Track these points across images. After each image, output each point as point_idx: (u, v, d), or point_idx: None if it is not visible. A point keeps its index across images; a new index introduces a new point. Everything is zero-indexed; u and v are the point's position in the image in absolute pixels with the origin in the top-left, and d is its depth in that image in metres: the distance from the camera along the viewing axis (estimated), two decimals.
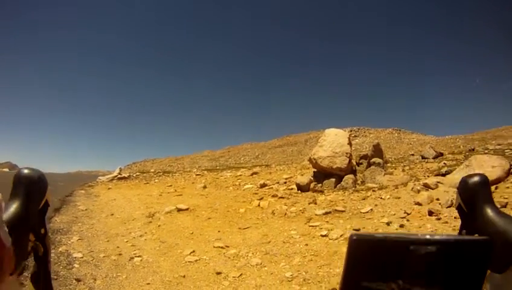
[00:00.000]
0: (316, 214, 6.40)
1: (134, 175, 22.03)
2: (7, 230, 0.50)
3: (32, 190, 0.62)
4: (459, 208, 0.58)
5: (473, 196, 0.55)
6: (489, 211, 0.53)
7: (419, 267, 0.40)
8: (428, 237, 0.40)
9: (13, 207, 0.58)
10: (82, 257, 5.02)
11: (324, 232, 5.34)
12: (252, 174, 13.82)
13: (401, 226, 5.45)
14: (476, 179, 0.56)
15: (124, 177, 20.54)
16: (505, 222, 0.50)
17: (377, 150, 10.23)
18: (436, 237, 0.41)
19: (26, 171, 0.63)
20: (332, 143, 9.52)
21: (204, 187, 12.29)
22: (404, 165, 11.04)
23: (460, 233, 0.57)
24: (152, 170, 27.29)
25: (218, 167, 25.09)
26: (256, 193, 9.08)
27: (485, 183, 0.56)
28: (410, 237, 0.41)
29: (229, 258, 4.82)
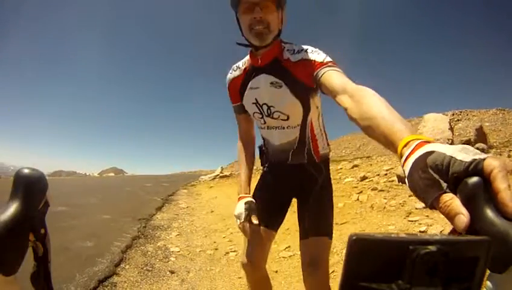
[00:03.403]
0: (416, 208, 5.89)
1: (236, 173, 22.69)
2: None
3: (32, 190, 0.61)
4: None
5: (473, 197, 0.54)
6: (489, 212, 0.51)
7: (419, 267, 0.39)
8: (428, 237, 0.41)
9: (13, 207, 0.57)
10: (179, 251, 5.22)
11: (423, 228, 4.89)
12: (352, 167, 13.32)
13: None
14: (475, 179, 0.55)
15: (226, 176, 21.30)
16: (505, 223, 0.49)
17: (480, 134, 9.35)
18: (436, 237, 0.41)
19: (26, 171, 0.62)
20: (433, 130, 8.86)
21: None
22: (510, 150, 9.83)
23: (460, 233, 0.55)
24: (254, 168, 27.74)
25: None
26: (355, 187, 8.70)
27: (485, 184, 0.54)
28: (410, 237, 0.40)
29: None
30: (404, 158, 0.74)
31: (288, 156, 2.04)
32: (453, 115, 19.38)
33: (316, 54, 1.69)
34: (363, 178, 9.67)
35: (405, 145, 0.78)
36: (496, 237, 0.47)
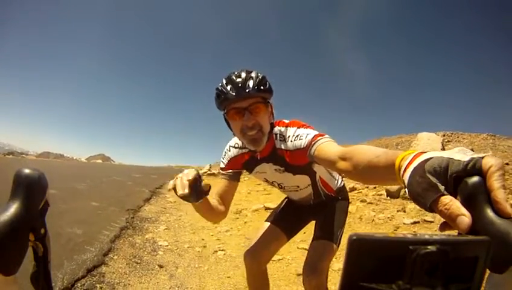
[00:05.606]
0: (403, 223, 5.98)
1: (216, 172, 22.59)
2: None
3: (32, 190, 0.62)
4: None
5: (473, 197, 0.56)
6: (489, 212, 0.53)
7: (419, 267, 0.39)
8: (427, 237, 0.41)
9: (13, 207, 0.58)
10: (167, 246, 5.21)
11: None
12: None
13: None
14: (476, 179, 0.56)
15: (213, 174, 21.19)
16: (505, 222, 0.50)
17: None
18: (436, 237, 0.41)
19: (26, 171, 0.63)
20: (425, 148, 8.92)
21: None
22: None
23: (460, 233, 0.56)
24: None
25: None
26: None
27: (485, 184, 0.55)
28: (410, 237, 0.41)
29: None
30: (402, 170, 0.76)
31: (309, 203, 2.36)
32: (444, 135, 19.48)
33: (302, 140, 1.73)
34: (352, 189, 9.70)
35: (402, 159, 0.80)
36: (496, 236, 0.49)
